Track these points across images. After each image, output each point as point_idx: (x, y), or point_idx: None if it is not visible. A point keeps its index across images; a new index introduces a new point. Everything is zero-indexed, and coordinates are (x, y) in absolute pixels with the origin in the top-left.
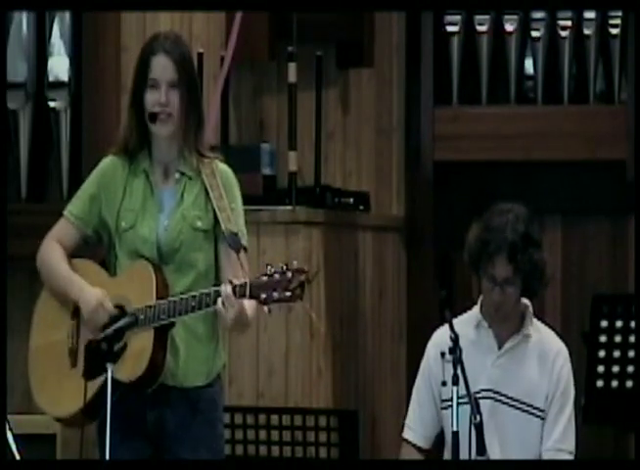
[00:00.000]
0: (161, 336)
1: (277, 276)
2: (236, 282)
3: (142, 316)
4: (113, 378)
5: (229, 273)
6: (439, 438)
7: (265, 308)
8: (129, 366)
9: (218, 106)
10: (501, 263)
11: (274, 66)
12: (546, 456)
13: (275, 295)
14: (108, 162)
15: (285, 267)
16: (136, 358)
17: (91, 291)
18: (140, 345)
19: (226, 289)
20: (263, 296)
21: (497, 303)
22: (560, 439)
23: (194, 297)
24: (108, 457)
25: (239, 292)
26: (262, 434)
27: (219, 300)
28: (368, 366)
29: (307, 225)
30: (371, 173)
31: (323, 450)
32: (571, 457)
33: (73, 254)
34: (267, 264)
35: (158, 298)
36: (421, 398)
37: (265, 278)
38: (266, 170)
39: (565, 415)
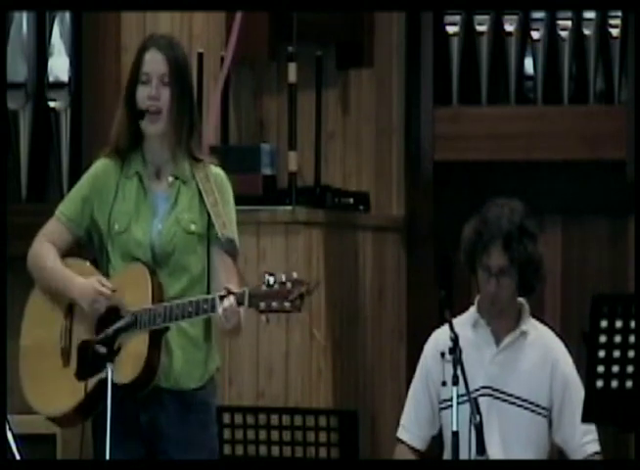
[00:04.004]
0: (156, 339)
1: (276, 286)
2: (234, 290)
3: (138, 319)
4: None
5: (223, 279)
6: (437, 439)
7: (263, 317)
8: (124, 369)
9: (218, 106)
10: (496, 253)
11: (274, 66)
12: (577, 453)
13: (274, 305)
14: (100, 164)
15: (284, 278)
16: (131, 361)
17: (85, 281)
18: (135, 348)
19: (230, 300)
20: (262, 305)
21: (493, 294)
22: (584, 432)
23: (191, 302)
24: (108, 457)
25: (238, 300)
26: (262, 434)
27: (221, 309)
28: (368, 366)
29: (307, 225)
30: (371, 173)
31: (323, 450)
32: (598, 443)
33: (65, 254)
34: (266, 273)
35: (153, 301)
36: (418, 398)
37: (264, 288)
38: (266, 170)
39: (579, 411)
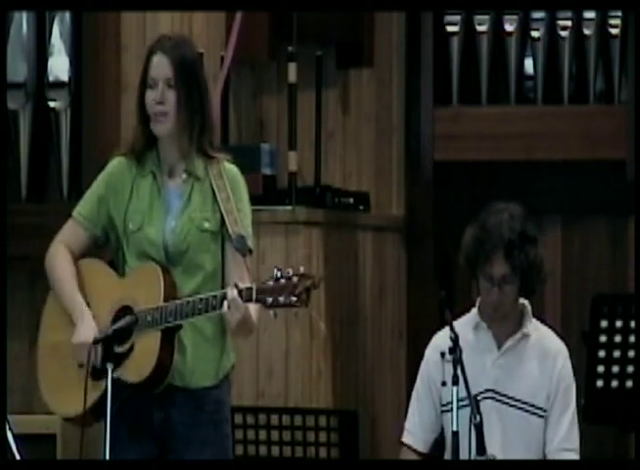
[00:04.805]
0: (168, 338)
1: (283, 281)
2: (242, 286)
3: (149, 318)
4: (120, 379)
5: (235, 276)
6: (438, 440)
7: (271, 313)
8: (136, 367)
9: (218, 106)
10: (498, 262)
11: (274, 66)
12: (552, 457)
13: (281, 299)
14: (115, 163)
15: (291, 272)
16: (143, 360)
17: (85, 326)
18: (147, 346)
19: (232, 293)
20: (269, 300)
21: (495, 302)
22: (565, 438)
23: (201, 299)
24: (108, 457)
25: (245, 296)
26: (262, 434)
27: (225, 303)
28: (368, 366)
29: (307, 225)
30: (371, 173)
31: (323, 450)
32: (576, 456)
33: (83, 255)
34: (274, 268)
35: (165, 299)
36: (421, 402)
37: (271, 283)
38: (266, 170)
39: (567, 415)
